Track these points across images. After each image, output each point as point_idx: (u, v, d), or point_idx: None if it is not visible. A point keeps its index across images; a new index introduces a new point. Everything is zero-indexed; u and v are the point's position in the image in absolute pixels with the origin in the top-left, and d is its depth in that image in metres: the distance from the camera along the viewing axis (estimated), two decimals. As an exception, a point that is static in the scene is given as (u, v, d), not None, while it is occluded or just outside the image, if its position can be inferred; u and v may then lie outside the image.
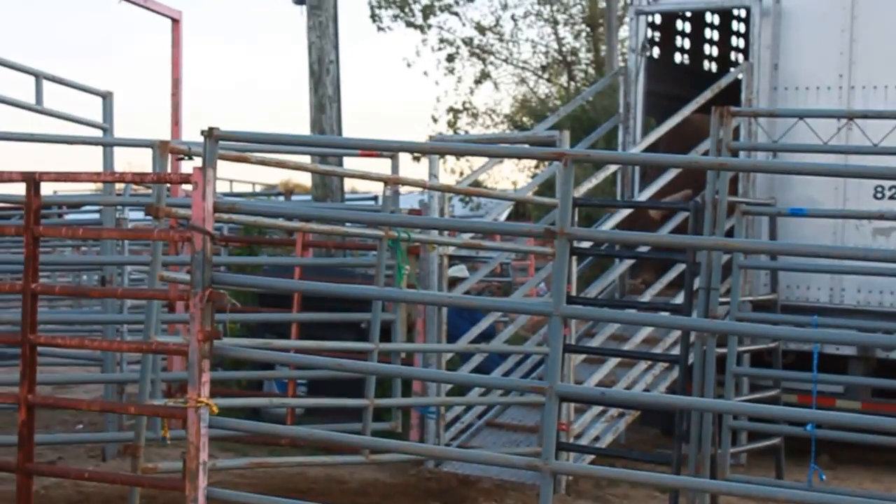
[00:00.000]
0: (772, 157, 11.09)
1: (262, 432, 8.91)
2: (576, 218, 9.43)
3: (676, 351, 10.31)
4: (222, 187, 24.45)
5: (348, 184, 17.13)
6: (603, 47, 32.36)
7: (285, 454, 10.09)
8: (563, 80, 35.61)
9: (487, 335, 11.54)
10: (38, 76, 10.87)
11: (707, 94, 11.70)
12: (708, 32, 15.22)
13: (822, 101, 11.51)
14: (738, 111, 10.07)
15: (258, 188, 26.73)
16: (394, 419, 10.02)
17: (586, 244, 10.62)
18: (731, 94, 11.84)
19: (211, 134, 7.36)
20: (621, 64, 22.50)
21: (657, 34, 13.83)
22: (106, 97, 11.32)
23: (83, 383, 13.11)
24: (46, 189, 7.73)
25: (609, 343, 10.94)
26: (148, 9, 13.49)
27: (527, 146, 11.58)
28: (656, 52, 13.79)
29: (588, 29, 35.11)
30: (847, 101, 11.41)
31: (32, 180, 7.50)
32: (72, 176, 8.44)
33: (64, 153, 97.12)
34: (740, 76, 11.98)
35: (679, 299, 10.30)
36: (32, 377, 7.57)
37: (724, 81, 11.94)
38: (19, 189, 8.14)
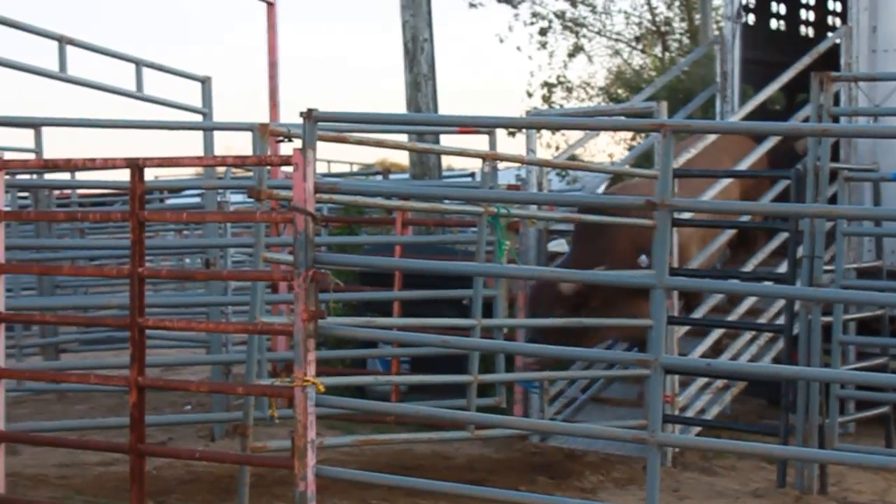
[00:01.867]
0: (873, 122, 10.92)
1: (368, 410, 8.98)
2: (675, 189, 9.37)
3: (781, 321, 10.21)
4: (321, 168, 24.61)
5: (445, 161, 17.14)
6: (697, 16, 31.99)
7: (391, 431, 10.16)
8: (658, 50, 35.27)
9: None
10: (138, 63, 11.03)
11: (805, 60, 11.55)
12: (803, -3, 15.04)
13: (922, 64, 11.30)
14: (838, 76, 9.94)
15: (356, 168, 26.86)
16: (498, 395, 10.04)
17: (687, 215, 10.54)
18: (830, 60, 11.67)
19: (310, 115, 7.42)
20: (716, 33, 22.29)
21: (752, 1, 13.67)
22: (205, 82, 11.45)
23: (190, 365, 13.32)
24: (148, 175, 7.83)
25: (711, 315, 10.86)
26: (243, -6, 13.61)
27: (624, 118, 11.52)
28: (751, 18, 13.63)
29: (681, -2, 34.73)
30: (948, 63, 11.20)
31: (136, 166, 7.61)
32: (175, 161, 8.53)
33: (163, 139, 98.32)
34: (838, 41, 11.81)
35: (782, 269, 10.20)
36: (142, 360, 7.69)
37: (822, 47, 11.78)
38: (122, 175, 8.27)
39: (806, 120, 10.41)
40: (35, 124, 11.79)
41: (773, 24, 14.50)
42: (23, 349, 12.71)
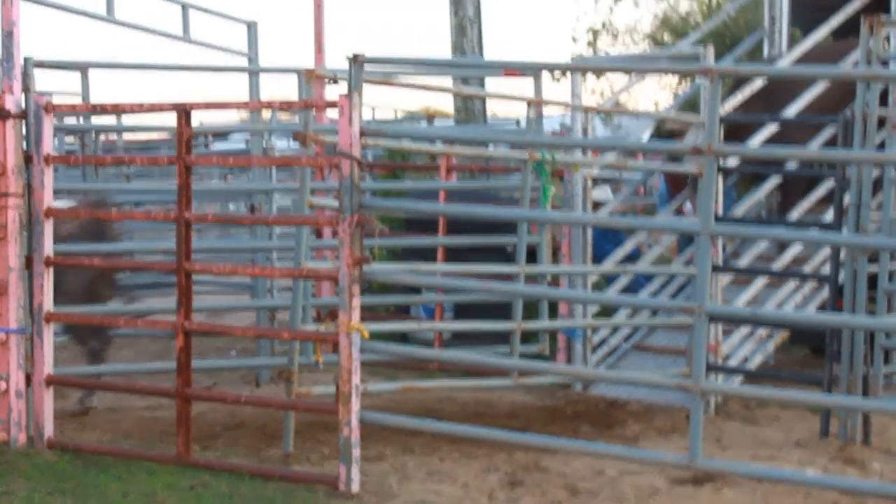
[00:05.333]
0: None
1: (412, 356, 9.02)
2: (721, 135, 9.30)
3: (826, 270, 10.14)
4: (365, 114, 24.57)
5: (488, 109, 17.07)
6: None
7: (434, 378, 10.19)
8: (705, -5, 34.91)
9: (632, 257, 11.49)
10: (185, 6, 11.02)
11: (856, 4, 11.39)
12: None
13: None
14: (890, 20, 9.80)
15: (399, 115, 26.80)
16: (541, 342, 10.05)
17: (732, 162, 10.47)
18: (882, 2, 11.51)
19: (356, 59, 7.41)
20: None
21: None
22: (250, 26, 11.44)
23: (236, 310, 13.38)
24: (193, 119, 7.86)
25: (756, 264, 10.80)
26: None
27: (670, 62, 11.43)
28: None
29: (729, -59, 34.34)
30: None
31: (183, 110, 7.63)
32: (221, 105, 8.57)
33: (209, 83, 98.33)
34: (891, -17, 11.64)
35: (829, 217, 10.12)
36: (188, 305, 7.75)
37: (873, -11, 11.62)
38: (169, 119, 8.30)
39: (856, 64, 10.28)
40: (81, 67, 11.83)
41: (824, -36, 14.32)
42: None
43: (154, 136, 18.04)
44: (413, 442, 8.53)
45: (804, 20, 12.85)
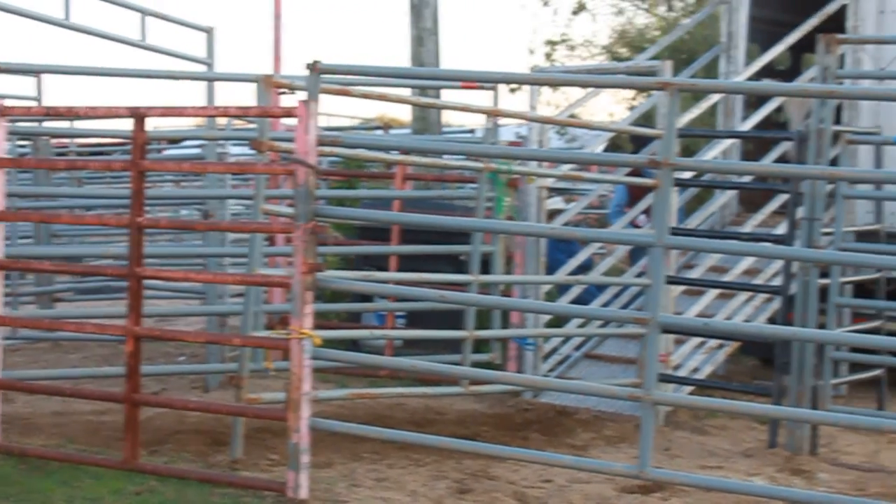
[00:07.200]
0: (877, 85, 10.87)
1: (362, 363, 9.00)
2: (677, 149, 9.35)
3: (777, 282, 10.22)
4: (321, 122, 24.56)
5: (444, 118, 17.10)
6: (703, -24, 31.87)
7: (384, 385, 10.18)
8: (662, 10, 35.11)
9: (585, 267, 11.53)
10: (143, 12, 10.96)
11: (813, 21, 11.50)
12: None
13: (930, 24, 11.21)
14: (845, 38, 9.89)
15: (356, 123, 26.79)
16: (492, 351, 10.06)
17: (687, 175, 10.53)
18: (838, 19, 11.61)
19: (314, 67, 7.39)
20: (721, -8, 22.15)
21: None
22: (209, 32, 11.40)
23: (188, 315, 13.31)
24: (148, 125, 7.82)
25: (708, 275, 10.87)
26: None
27: (629, 76, 11.48)
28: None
29: (687, -44, 34.56)
30: (956, 21, 11.12)
31: (139, 115, 7.60)
32: (177, 111, 8.52)
33: (165, 89, 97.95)
34: (846, 2, 11.74)
35: (781, 230, 10.20)
36: (139, 309, 7.70)
37: (830, 8, 11.71)
38: (124, 124, 8.24)
39: (811, 81, 10.37)
40: (37, 71, 11.75)
41: (782, -18, 14.44)
42: (18, 297, 12.71)
43: (108, 140, 17.96)
44: (362, 449, 8.51)
45: (762, 36, 12.95)
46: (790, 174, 9.20)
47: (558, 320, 10.93)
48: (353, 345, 10.76)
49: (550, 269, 10.98)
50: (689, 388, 9.99)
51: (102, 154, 18.38)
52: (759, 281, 10.80)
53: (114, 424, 8.85)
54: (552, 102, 31.89)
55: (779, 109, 11.79)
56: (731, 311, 10.59)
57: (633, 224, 11.48)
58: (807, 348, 8.93)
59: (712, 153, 11.15)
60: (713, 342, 10.52)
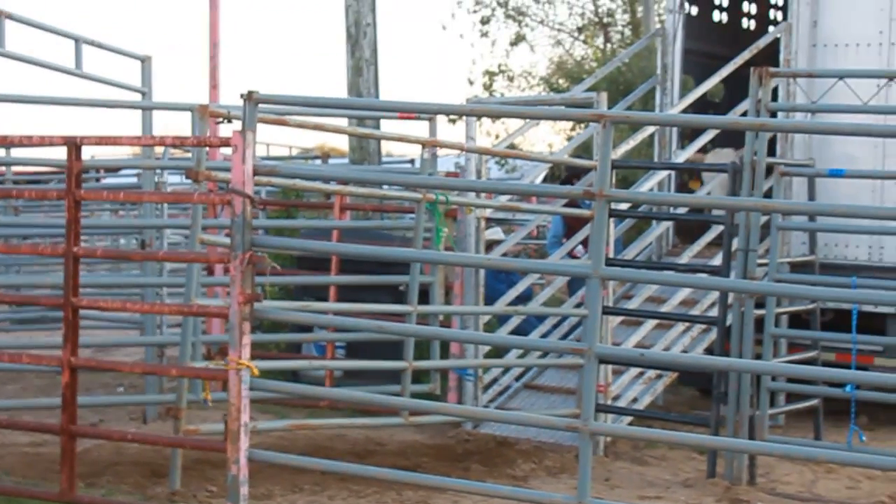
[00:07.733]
0: (810, 118, 11.02)
1: (302, 394, 8.98)
2: (613, 180, 9.42)
3: (714, 313, 10.30)
4: (259, 151, 24.46)
5: (384, 148, 17.12)
6: (639, 8, 32.17)
7: (324, 416, 10.14)
8: (600, 41, 35.41)
9: (524, 298, 11.56)
10: (78, 40, 10.88)
11: (746, 55, 11.64)
12: (746, -11, 15.14)
13: (861, 58, 11.33)
14: (777, 72, 10.01)
15: (295, 152, 26.77)
16: (432, 381, 10.06)
17: (624, 206, 10.60)
18: (771, 52, 11.76)
19: (250, 97, 7.38)
20: (658, 25, 22.38)
21: (695, -8, 13.75)
22: (145, 61, 11.34)
23: (125, 346, 13.22)
24: (84, 154, 7.77)
25: (646, 305, 10.94)
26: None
27: (564, 108, 11.55)
28: (694, 10, 13.70)
29: (624, -11, 34.91)
30: (887, 57, 11.27)
31: (74, 144, 7.54)
32: (113, 140, 8.47)
33: (101, 118, 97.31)
34: (779, 35, 11.90)
35: (717, 261, 10.29)
36: (75, 340, 7.64)
37: (762, 42, 11.86)
38: (59, 153, 8.18)
39: (744, 114, 10.48)
40: (-31, 100, 11.62)
41: (716, 15, 14.60)
42: (-46, 327, 12.59)
43: (45, 168, 17.79)
44: (302, 480, 8.48)
45: (696, 69, 13.09)
46: (724, 206, 9.29)
47: (498, 351, 10.95)
48: (293, 375, 10.72)
49: (490, 300, 11.00)
50: (629, 419, 10.04)
51: (39, 182, 18.21)
52: (696, 311, 10.88)
53: (51, 456, 8.76)
54: (491, 132, 32.09)
55: (713, 140, 11.90)
56: (670, 342, 10.66)
57: (571, 255, 11.53)
58: (744, 378, 9.01)
59: (648, 184, 11.23)
60: (652, 372, 10.59)
